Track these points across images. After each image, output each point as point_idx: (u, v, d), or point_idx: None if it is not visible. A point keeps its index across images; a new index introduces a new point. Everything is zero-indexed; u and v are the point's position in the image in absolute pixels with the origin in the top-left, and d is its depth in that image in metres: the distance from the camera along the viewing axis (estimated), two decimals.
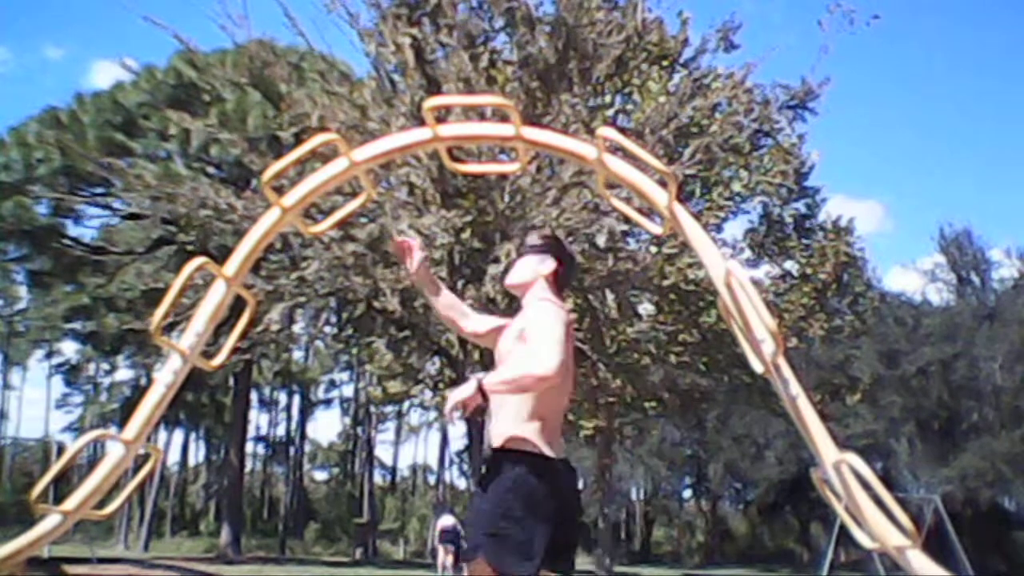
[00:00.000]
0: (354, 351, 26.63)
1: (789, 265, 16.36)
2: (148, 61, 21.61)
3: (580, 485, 2.71)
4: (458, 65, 10.35)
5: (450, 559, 15.04)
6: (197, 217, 12.01)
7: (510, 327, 2.94)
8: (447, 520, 15.36)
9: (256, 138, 15.83)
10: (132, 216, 20.18)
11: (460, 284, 10.81)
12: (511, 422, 2.81)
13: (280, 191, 3.24)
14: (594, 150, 3.09)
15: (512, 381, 2.72)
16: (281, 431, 46.20)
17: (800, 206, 16.61)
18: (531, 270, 3.01)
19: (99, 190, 20.10)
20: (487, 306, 9.90)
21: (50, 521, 2.86)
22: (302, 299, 12.22)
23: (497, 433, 2.82)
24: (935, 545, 15.36)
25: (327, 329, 19.67)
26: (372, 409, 37.81)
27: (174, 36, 12.17)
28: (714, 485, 39.87)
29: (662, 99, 11.21)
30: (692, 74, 12.13)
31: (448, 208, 10.46)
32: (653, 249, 12.72)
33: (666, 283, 12.50)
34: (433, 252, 10.71)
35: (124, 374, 36.91)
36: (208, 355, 3.22)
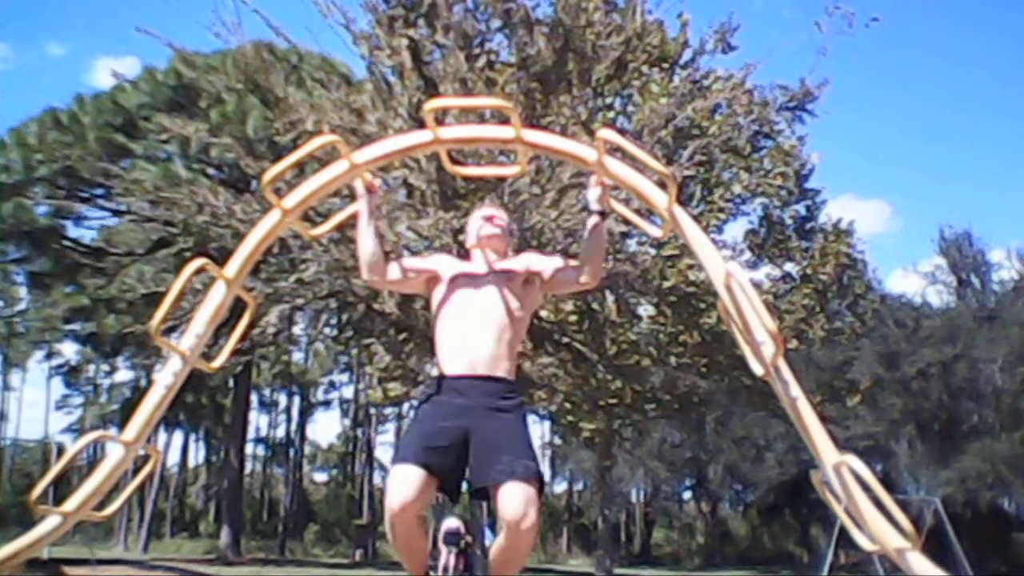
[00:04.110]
0: (353, 353, 26.66)
1: (789, 267, 16.34)
2: (150, 59, 21.65)
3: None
4: (454, 65, 10.34)
5: (452, 560, 15.00)
6: (195, 223, 12.00)
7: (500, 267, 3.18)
8: (451, 522, 15.31)
9: (256, 140, 15.82)
10: (132, 217, 20.17)
11: None
12: (511, 354, 3.04)
13: (279, 193, 3.24)
14: (594, 152, 3.10)
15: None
16: (281, 432, 46.23)
17: (800, 208, 16.61)
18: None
19: (99, 192, 20.09)
20: None
21: (50, 522, 2.86)
22: (300, 301, 12.22)
23: (504, 367, 3.00)
24: (935, 547, 15.35)
25: (327, 331, 19.67)
26: (372, 411, 37.79)
27: (168, 44, 12.17)
28: (714, 487, 39.84)
29: (663, 100, 11.20)
30: (691, 75, 12.12)
31: (446, 210, 10.46)
32: (652, 251, 12.71)
33: (666, 284, 12.48)
34: (432, 254, 10.70)
35: (124, 375, 36.93)
36: (208, 357, 3.22)
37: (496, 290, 3.07)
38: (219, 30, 11.16)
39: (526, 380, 11.57)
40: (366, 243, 3.21)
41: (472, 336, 2.99)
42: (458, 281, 3.13)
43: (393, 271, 3.25)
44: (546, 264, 3.25)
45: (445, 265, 3.24)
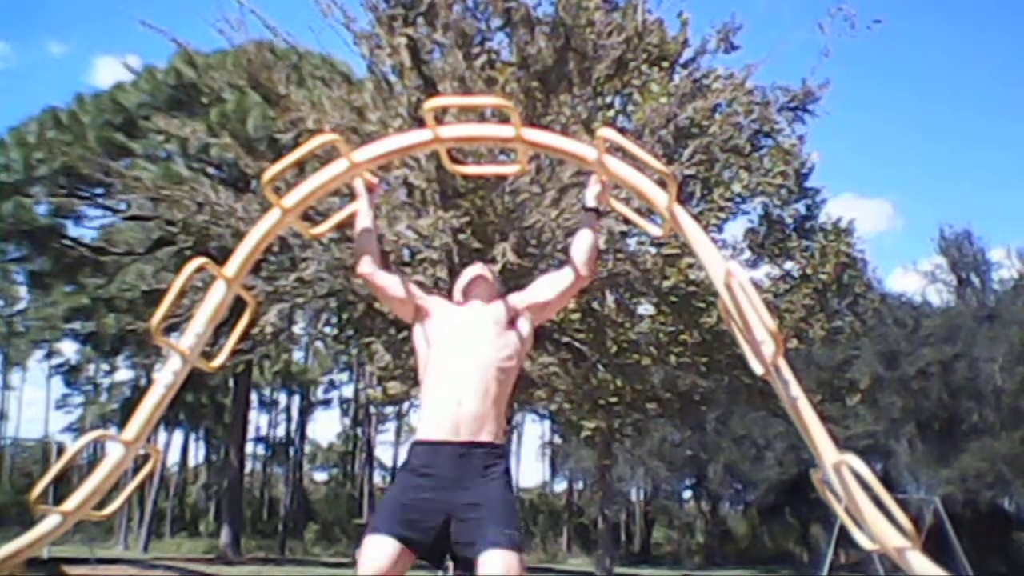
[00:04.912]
0: (353, 352, 26.67)
1: (789, 266, 16.34)
2: (151, 57, 21.66)
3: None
4: (452, 64, 10.34)
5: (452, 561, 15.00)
6: (195, 222, 11.99)
7: (485, 312, 3.09)
8: None
9: (256, 139, 15.82)
10: (133, 217, 20.20)
11: None
12: (498, 412, 2.95)
13: (279, 192, 3.24)
14: (594, 151, 3.10)
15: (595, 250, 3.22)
16: (281, 432, 46.23)
17: (800, 207, 16.62)
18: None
19: (99, 191, 20.10)
20: None
21: (50, 522, 2.86)
22: (300, 300, 12.21)
23: (490, 430, 2.91)
24: (935, 546, 15.36)
25: (327, 330, 19.67)
26: (372, 410, 37.77)
27: (172, 40, 12.15)
28: (714, 486, 39.85)
29: (663, 100, 11.19)
30: (692, 75, 12.11)
31: (446, 209, 10.45)
32: (653, 250, 12.71)
33: (666, 283, 12.48)
34: (431, 253, 10.70)
35: (124, 375, 36.93)
36: (208, 356, 3.22)
37: (484, 340, 3.00)
38: (222, 27, 11.16)
39: (526, 380, 11.56)
40: (361, 240, 3.21)
41: (457, 394, 2.90)
42: (447, 328, 3.07)
43: (386, 278, 3.22)
44: (530, 289, 3.24)
45: (438, 306, 3.19)
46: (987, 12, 66.01)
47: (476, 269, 3.31)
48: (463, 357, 2.96)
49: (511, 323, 3.10)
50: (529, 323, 3.16)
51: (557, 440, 40.00)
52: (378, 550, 2.74)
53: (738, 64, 12.16)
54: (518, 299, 3.19)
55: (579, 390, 14.05)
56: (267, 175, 3.17)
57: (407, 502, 2.83)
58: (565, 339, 13.47)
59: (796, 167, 15.24)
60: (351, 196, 3.37)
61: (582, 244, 3.18)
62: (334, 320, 17.81)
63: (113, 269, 21.21)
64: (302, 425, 45.34)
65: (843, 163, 63.48)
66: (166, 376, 3.05)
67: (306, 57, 14.49)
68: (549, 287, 3.21)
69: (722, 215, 13.89)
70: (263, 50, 11.82)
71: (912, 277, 70.27)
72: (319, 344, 37.44)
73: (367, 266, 3.20)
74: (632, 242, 12.77)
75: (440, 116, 3.25)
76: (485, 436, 2.89)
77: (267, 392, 43.81)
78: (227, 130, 15.45)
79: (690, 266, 12.07)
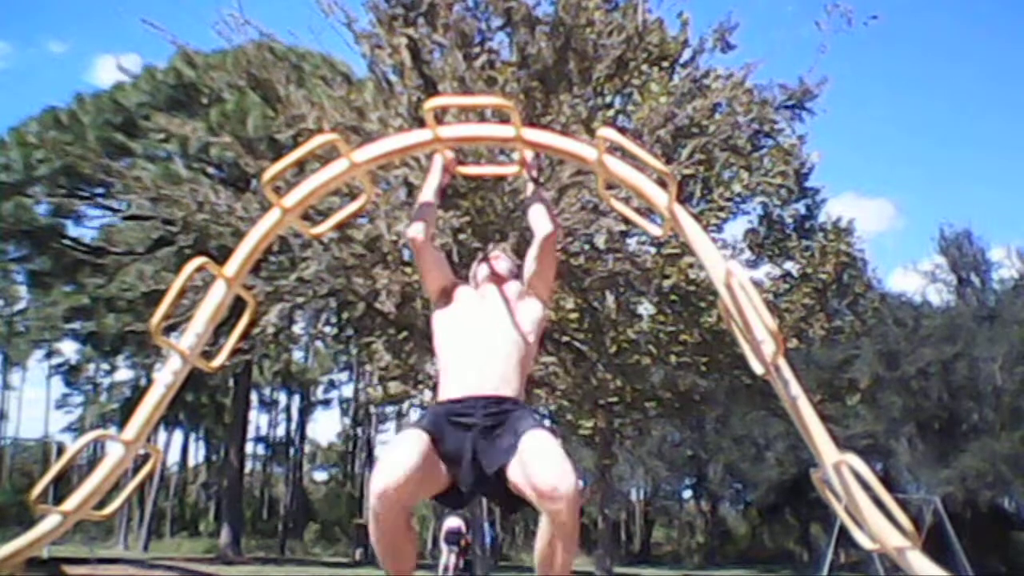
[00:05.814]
0: (353, 352, 26.66)
1: (789, 266, 16.35)
2: (151, 57, 21.63)
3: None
4: (452, 64, 10.35)
5: (453, 559, 15.02)
6: (195, 221, 11.99)
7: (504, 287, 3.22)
8: (452, 521, 15.31)
9: (256, 139, 15.81)
10: (133, 217, 20.19)
11: None
12: (521, 375, 3.01)
13: (279, 192, 3.24)
14: (594, 151, 3.09)
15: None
16: (281, 431, 46.24)
17: (800, 206, 16.63)
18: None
19: (99, 191, 20.10)
20: None
21: (50, 521, 2.86)
22: (300, 299, 12.21)
23: (513, 387, 2.94)
24: (935, 546, 15.36)
25: (327, 330, 19.67)
26: (372, 409, 37.77)
27: (171, 41, 12.15)
28: (714, 486, 39.84)
29: (663, 99, 11.19)
30: (691, 74, 12.11)
31: (446, 209, 10.46)
32: (652, 249, 12.71)
33: (667, 283, 12.49)
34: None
35: (124, 374, 36.88)
36: (208, 356, 3.22)
37: (503, 314, 3.08)
38: (222, 28, 11.16)
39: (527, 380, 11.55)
40: (422, 209, 3.33)
41: (481, 355, 2.94)
42: (466, 303, 3.14)
43: (432, 250, 3.34)
44: (525, 263, 3.29)
45: (461, 291, 3.25)
46: (987, 12, 66.04)
47: (495, 253, 3.42)
48: (486, 329, 3.02)
49: (525, 296, 3.18)
50: (536, 298, 3.21)
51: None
52: (408, 443, 2.68)
53: (737, 63, 12.17)
54: (520, 278, 3.30)
55: (579, 390, 14.06)
56: (267, 175, 3.17)
57: (434, 420, 2.82)
58: (565, 339, 13.47)
59: (796, 167, 15.25)
60: (351, 195, 3.38)
61: (534, 207, 3.29)
62: (334, 320, 17.81)
63: (113, 269, 21.19)
64: (302, 425, 45.41)
65: (843, 163, 63.52)
66: (166, 376, 3.05)
67: (306, 57, 14.49)
68: (534, 251, 3.23)
69: (722, 215, 13.90)
70: (263, 50, 11.81)
71: (912, 277, 70.32)
72: (319, 344, 37.42)
73: (419, 232, 3.25)
74: (632, 242, 12.78)
75: (440, 116, 3.25)
76: (509, 392, 2.89)
77: (267, 392, 43.80)
78: (227, 130, 15.45)
79: (690, 266, 12.08)
